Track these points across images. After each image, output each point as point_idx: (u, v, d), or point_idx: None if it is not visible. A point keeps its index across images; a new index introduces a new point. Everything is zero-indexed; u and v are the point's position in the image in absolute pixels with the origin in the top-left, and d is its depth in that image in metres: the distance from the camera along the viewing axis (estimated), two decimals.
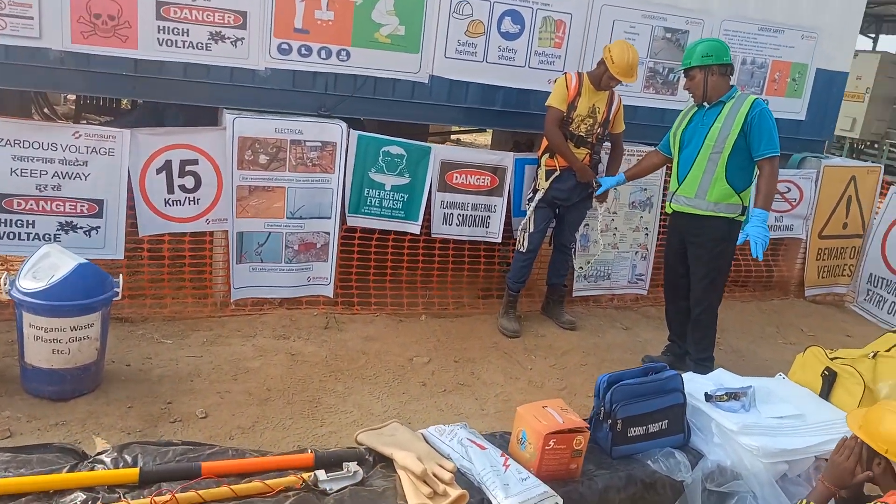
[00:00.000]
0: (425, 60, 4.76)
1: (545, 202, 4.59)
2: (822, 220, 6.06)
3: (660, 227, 5.49)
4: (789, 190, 5.87)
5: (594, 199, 4.67)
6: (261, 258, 4.49)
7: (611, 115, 4.60)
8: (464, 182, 4.85)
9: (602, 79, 4.43)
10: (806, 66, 5.83)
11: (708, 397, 2.91)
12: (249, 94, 4.45)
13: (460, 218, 4.92)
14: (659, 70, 5.39)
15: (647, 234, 5.44)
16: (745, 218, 4.07)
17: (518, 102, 5.08)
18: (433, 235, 4.90)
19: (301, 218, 4.51)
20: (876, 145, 14.11)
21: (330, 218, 4.59)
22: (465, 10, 4.76)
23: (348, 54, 4.59)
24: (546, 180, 4.55)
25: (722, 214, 4.02)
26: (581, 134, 4.52)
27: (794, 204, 5.90)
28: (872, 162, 9.47)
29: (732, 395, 2.92)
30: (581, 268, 5.23)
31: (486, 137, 10.84)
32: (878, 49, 17.04)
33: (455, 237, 4.96)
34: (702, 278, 4.16)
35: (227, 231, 4.39)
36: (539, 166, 4.62)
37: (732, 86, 4.05)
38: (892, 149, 13.55)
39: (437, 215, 4.85)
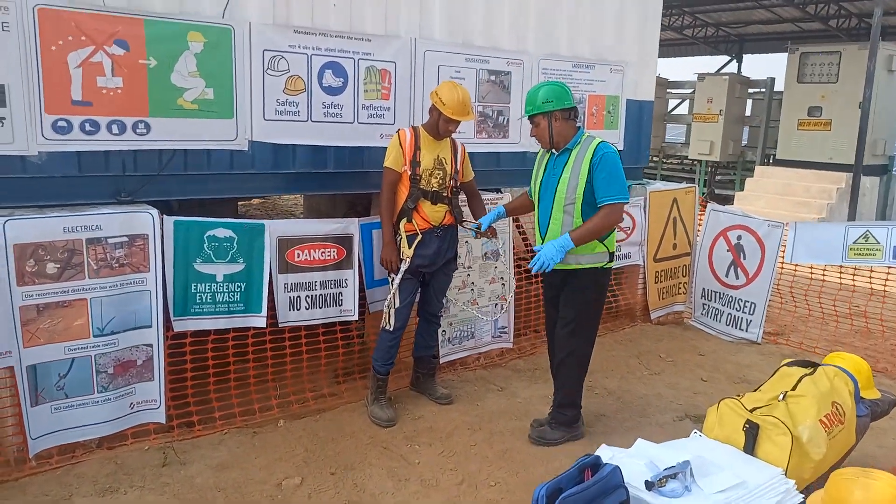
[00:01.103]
0: (242, 125, 4.11)
1: (410, 272, 4.11)
2: (654, 244, 6.22)
3: (514, 273, 5.26)
4: (622, 220, 5.93)
5: (487, 233, 4.21)
6: (65, 393, 3.51)
7: (458, 165, 4.28)
8: (308, 259, 4.23)
9: (439, 125, 4.09)
10: (618, 97, 5.99)
11: (649, 485, 2.62)
12: (20, 186, 3.52)
13: (309, 300, 4.27)
14: (489, 114, 5.19)
15: (503, 284, 5.17)
16: (612, 262, 3.94)
17: (351, 162, 4.59)
18: (280, 325, 4.20)
19: (113, 333, 3.61)
20: (733, 166, 15.03)
21: (151, 326, 3.73)
22: (279, 64, 4.19)
23: (148, 126, 3.81)
24: (409, 247, 4.08)
25: (589, 266, 3.84)
26: (435, 189, 4.13)
27: (628, 233, 5.99)
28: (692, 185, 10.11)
29: (671, 476, 2.64)
30: (444, 331, 4.80)
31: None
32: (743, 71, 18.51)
33: (306, 322, 4.31)
34: (567, 324, 3.96)
35: (12, 367, 3.37)
36: (397, 234, 4.14)
37: (579, 128, 3.90)
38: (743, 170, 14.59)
39: (281, 301, 4.17)
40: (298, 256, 4.20)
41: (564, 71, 5.58)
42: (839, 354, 3.80)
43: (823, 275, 5.99)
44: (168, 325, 3.82)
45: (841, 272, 5.81)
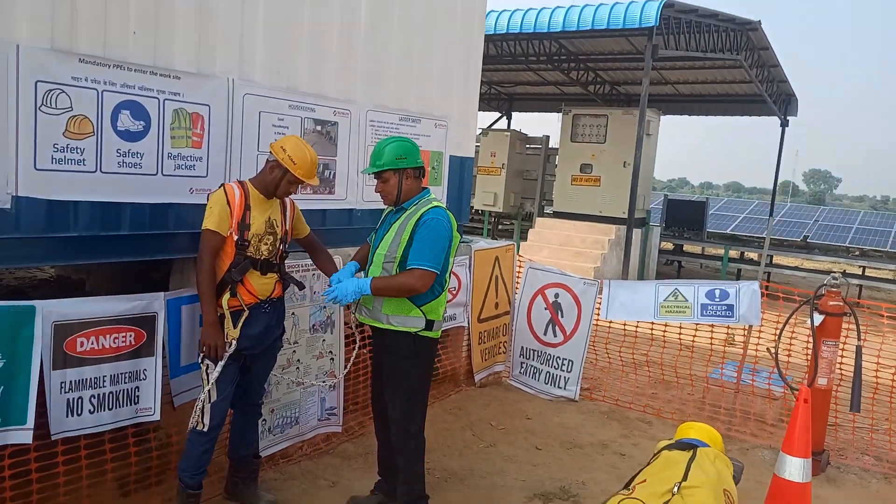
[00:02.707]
0: (3, 176, 3.12)
1: (232, 357, 3.37)
2: (478, 304, 6.03)
3: (345, 347, 4.69)
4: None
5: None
6: None
7: (288, 225, 3.67)
8: (94, 347, 3.30)
9: (280, 185, 3.49)
10: (441, 153, 5.75)
11: None
12: None
13: (94, 401, 3.32)
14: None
15: (332, 359, 4.57)
16: (434, 331, 3.61)
17: (153, 222, 3.74)
18: (53, 437, 3.20)
19: None
20: (513, 217, 15.44)
21: None
22: (59, 101, 3.27)
23: None
24: (235, 328, 3.35)
25: (402, 329, 3.51)
26: (265, 257, 3.47)
27: (454, 293, 5.72)
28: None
29: None
30: (264, 420, 4.08)
31: None
32: (512, 125, 19.12)
33: (90, 430, 3.34)
34: (395, 400, 3.60)
35: None
36: (218, 311, 3.39)
37: (425, 188, 3.65)
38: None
39: (56, 405, 3.18)
40: (82, 346, 3.25)
41: (391, 123, 5.21)
42: (690, 425, 3.77)
43: (636, 329, 6.20)
44: None
45: (652, 326, 6.05)
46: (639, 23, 10.53)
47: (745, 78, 14.67)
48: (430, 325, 3.54)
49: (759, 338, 6.07)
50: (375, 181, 3.61)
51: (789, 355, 6.04)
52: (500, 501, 4.16)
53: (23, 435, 3.05)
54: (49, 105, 3.23)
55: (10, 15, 3.08)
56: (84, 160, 3.39)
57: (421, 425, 3.65)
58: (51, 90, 3.23)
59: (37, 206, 3.24)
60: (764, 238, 17.91)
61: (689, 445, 3.38)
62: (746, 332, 6.05)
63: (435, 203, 3.56)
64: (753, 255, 16.25)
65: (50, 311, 3.13)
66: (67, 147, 3.32)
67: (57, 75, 3.24)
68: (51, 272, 7.04)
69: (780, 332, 5.92)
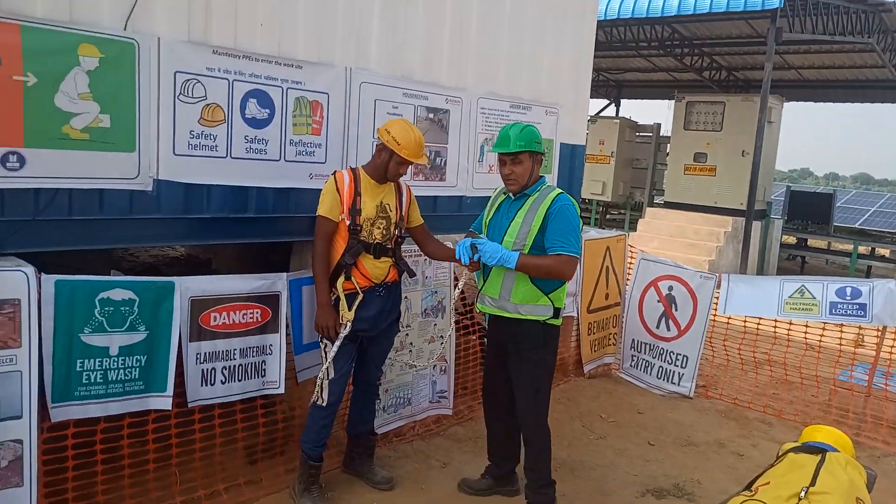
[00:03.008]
0: (146, 160, 3.36)
1: (347, 338, 3.48)
2: (588, 295, 5.93)
3: (458, 333, 4.75)
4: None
5: (473, 265, 3.57)
6: None
7: (404, 211, 3.73)
8: (226, 322, 3.50)
9: (389, 167, 3.55)
10: (552, 140, 5.68)
11: None
12: None
13: (226, 372, 3.53)
14: (426, 154, 4.68)
15: (442, 344, 4.63)
16: (559, 319, 3.59)
17: (276, 205, 3.92)
18: (190, 405, 3.43)
19: None
20: (622, 207, 15.20)
21: (21, 417, 2.86)
22: (195, 90, 3.49)
23: (21, 159, 2.99)
24: (349, 310, 3.46)
25: (531, 317, 3.48)
26: (378, 241, 3.55)
27: None
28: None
29: None
30: (379, 400, 4.18)
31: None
32: (621, 113, 18.92)
33: (222, 399, 3.55)
34: (524, 391, 3.58)
35: None
36: (333, 293, 3.51)
37: (542, 176, 3.59)
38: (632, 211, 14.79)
39: (192, 375, 3.41)
40: (215, 320, 3.46)
41: (502, 111, 5.20)
42: (817, 428, 3.55)
43: (758, 326, 5.91)
44: (45, 415, 2.97)
45: (776, 324, 5.74)
46: (762, 5, 9.98)
47: (877, 62, 13.60)
48: (556, 313, 3.53)
49: (894, 340, 5.63)
50: (501, 164, 3.49)
51: None
52: (611, 494, 4.08)
53: (163, 401, 3.29)
54: (186, 94, 3.45)
55: (151, 10, 3.31)
56: (216, 146, 3.59)
57: (547, 414, 3.65)
58: (188, 80, 3.44)
59: (175, 188, 3.47)
60: None
61: (818, 449, 3.19)
62: (880, 333, 5.63)
63: (558, 190, 3.54)
64: (885, 252, 15.08)
65: (187, 286, 3.35)
66: (202, 134, 3.53)
67: (193, 66, 3.45)
68: (181, 251, 7.52)
69: None
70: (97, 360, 3.08)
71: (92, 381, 3.08)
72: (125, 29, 3.24)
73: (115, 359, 3.14)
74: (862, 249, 14.22)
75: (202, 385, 3.45)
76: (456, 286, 4.00)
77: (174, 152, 3.44)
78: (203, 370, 3.44)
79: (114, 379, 3.14)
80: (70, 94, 3.10)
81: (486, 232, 3.67)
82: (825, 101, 17.20)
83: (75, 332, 3.02)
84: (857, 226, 18.36)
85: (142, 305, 3.19)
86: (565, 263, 3.37)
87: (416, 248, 4.05)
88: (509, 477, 3.94)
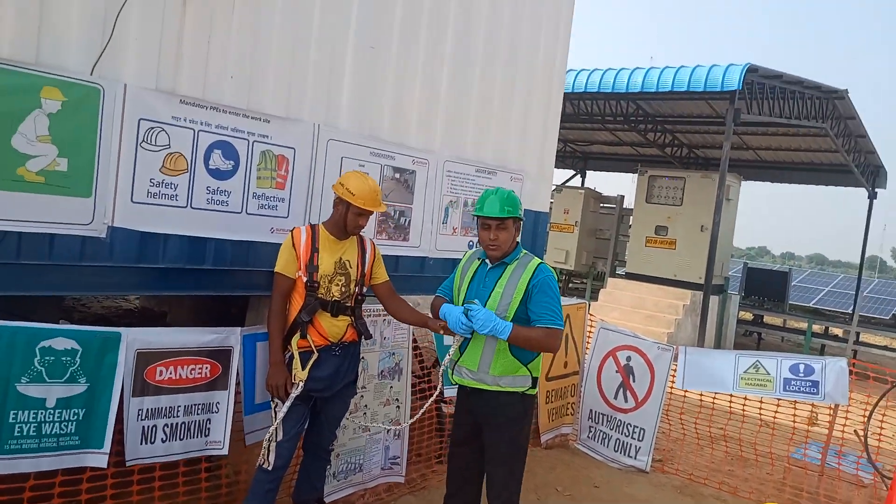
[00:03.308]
0: (101, 207, 3.28)
1: (299, 398, 3.38)
2: (547, 363, 5.89)
3: (414, 397, 4.65)
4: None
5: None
6: None
7: (366, 268, 3.68)
8: (172, 377, 3.38)
9: (347, 220, 3.51)
10: None
11: None
12: None
13: (168, 430, 3.38)
14: (391, 213, 4.68)
15: (398, 407, 4.52)
16: (536, 388, 3.54)
17: (234, 258, 3.85)
18: (128, 464, 3.26)
19: None
20: (584, 276, 15.23)
21: None
22: (158, 138, 3.45)
23: None
24: (303, 369, 3.37)
25: (510, 389, 3.42)
26: (336, 299, 3.49)
27: None
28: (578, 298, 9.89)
29: None
30: (329, 464, 4.03)
31: None
32: (586, 184, 19.16)
33: (161, 459, 3.39)
34: (500, 465, 3.46)
35: None
36: (287, 351, 3.42)
37: (517, 243, 3.55)
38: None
39: (132, 432, 3.25)
40: (161, 375, 3.33)
41: (468, 175, 5.25)
42: None
43: (714, 401, 5.91)
44: None
45: (731, 399, 5.75)
46: (721, 86, 10.39)
47: (831, 147, 14.20)
48: (534, 382, 3.48)
49: (846, 419, 5.68)
50: (484, 229, 3.39)
51: (880, 440, 5.62)
52: None
53: (99, 458, 3.13)
54: (149, 142, 3.41)
55: (120, 57, 3.29)
56: (176, 195, 3.54)
57: (520, 488, 3.52)
58: (152, 128, 3.41)
59: (130, 236, 3.38)
60: (850, 314, 17.05)
61: None
62: (832, 411, 5.68)
63: (538, 259, 3.49)
64: (838, 331, 15.42)
65: (134, 338, 3.23)
66: (163, 182, 3.47)
67: (159, 114, 3.42)
68: (135, 303, 7.32)
69: (871, 414, 5.54)
70: (32, 412, 2.93)
71: (25, 434, 2.92)
72: (91, 74, 3.21)
73: (52, 411, 2.99)
74: (816, 328, 14.52)
75: (142, 443, 3.29)
76: (436, 387, 3.84)
77: (132, 200, 3.38)
78: (144, 427, 3.29)
79: (48, 433, 2.98)
80: (28, 136, 3.04)
81: (459, 300, 3.54)
82: (781, 181, 17.81)
83: (11, 381, 2.87)
84: (811, 304, 18.83)
85: (84, 356, 3.07)
86: (554, 337, 3.33)
87: (375, 306, 3.98)
88: None
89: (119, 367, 3.15)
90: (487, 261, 3.50)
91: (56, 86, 3.10)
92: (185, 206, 3.58)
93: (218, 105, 3.66)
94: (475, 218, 3.48)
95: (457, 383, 3.57)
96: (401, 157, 4.71)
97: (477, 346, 3.42)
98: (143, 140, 3.39)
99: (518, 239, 3.57)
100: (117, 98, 3.29)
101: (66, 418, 3.02)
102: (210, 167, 3.66)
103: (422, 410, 3.83)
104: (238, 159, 3.79)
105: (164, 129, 3.46)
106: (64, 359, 3.00)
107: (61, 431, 3.01)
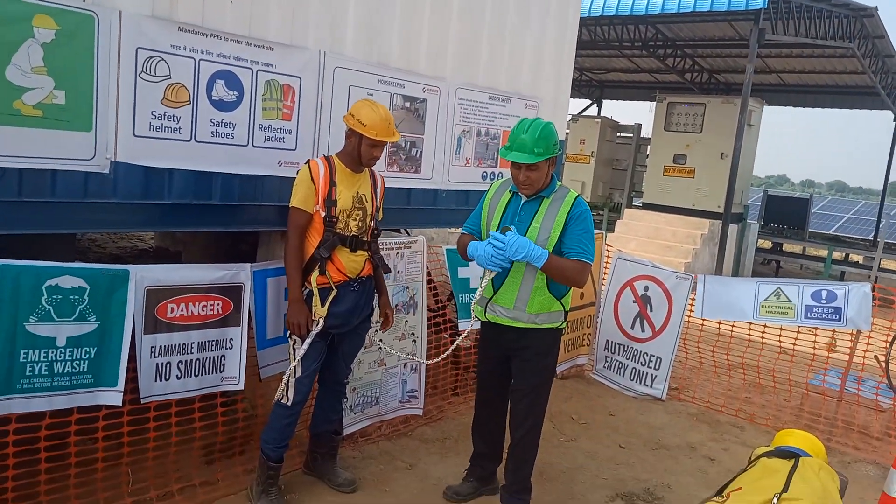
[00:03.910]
0: (103, 141, 3.18)
1: (319, 335, 3.33)
2: None
3: (429, 331, 4.62)
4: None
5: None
6: None
7: (378, 201, 3.59)
8: (184, 314, 3.34)
9: (361, 152, 3.38)
10: None
11: None
12: None
13: (182, 367, 3.37)
14: (401, 144, 4.54)
15: (414, 342, 4.50)
16: (566, 323, 3.56)
17: (242, 193, 3.75)
18: (143, 401, 3.26)
19: None
20: (601, 207, 14.97)
21: None
22: (158, 68, 3.31)
23: None
24: (322, 306, 3.31)
25: (546, 325, 3.42)
26: (354, 234, 3.40)
27: None
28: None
29: None
30: (345, 398, 4.04)
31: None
32: (602, 113, 18.73)
33: (176, 396, 3.39)
34: (526, 394, 3.49)
35: None
36: (305, 287, 3.36)
37: (553, 176, 3.42)
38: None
39: (146, 370, 3.23)
40: (172, 312, 3.29)
41: (481, 102, 5.07)
42: (790, 432, 3.49)
43: (732, 329, 5.85)
44: None
45: (750, 327, 5.69)
46: (745, 5, 9.96)
47: (858, 68, 13.70)
48: (566, 316, 3.50)
49: (867, 345, 5.61)
50: (515, 167, 3.26)
51: None
52: (579, 498, 3.99)
53: (113, 396, 3.12)
54: (149, 72, 3.27)
55: None
56: (180, 128, 3.42)
57: (543, 417, 3.60)
58: (151, 57, 3.26)
59: (134, 172, 3.29)
60: (870, 240, 16.81)
61: (791, 454, 3.13)
62: (854, 337, 5.60)
63: (574, 192, 3.41)
64: (859, 258, 15.23)
65: (143, 276, 3.18)
66: (164, 115, 3.35)
67: (157, 43, 3.27)
68: (150, 243, 7.31)
69: (893, 341, 5.45)
70: (42, 351, 2.90)
71: (36, 373, 2.90)
72: (85, 1, 3.06)
73: (63, 350, 2.96)
74: (836, 255, 14.34)
75: (156, 380, 3.28)
76: (461, 335, 3.78)
77: (134, 133, 3.27)
78: (157, 364, 3.27)
79: (60, 371, 2.96)
80: (23, 68, 2.91)
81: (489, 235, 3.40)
82: (804, 105, 17.31)
83: (20, 321, 2.84)
84: (831, 232, 18.56)
85: (93, 294, 3.02)
86: (585, 272, 3.30)
87: (389, 239, 3.90)
88: (491, 477, 3.86)
89: (129, 305, 3.11)
90: (522, 194, 3.38)
91: (48, 13, 2.95)
92: (189, 140, 3.47)
93: (219, 32, 3.50)
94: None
95: (489, 320, 3.50)
96: (411, 85, 4.53)
97: (514, 283, 3.36)
98: (143, 70, 3.25)
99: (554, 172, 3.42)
100: (113, 26, 3.13)
101: (78, 357, 3.00)
102: (213, 98, 3.53)
103: (449, 350, 3.79)
104: (242, 90, 3.64)
105: (163, 59, 3.31)
106: (72, 297, 2.95)
107: (73, 370, 3.00)
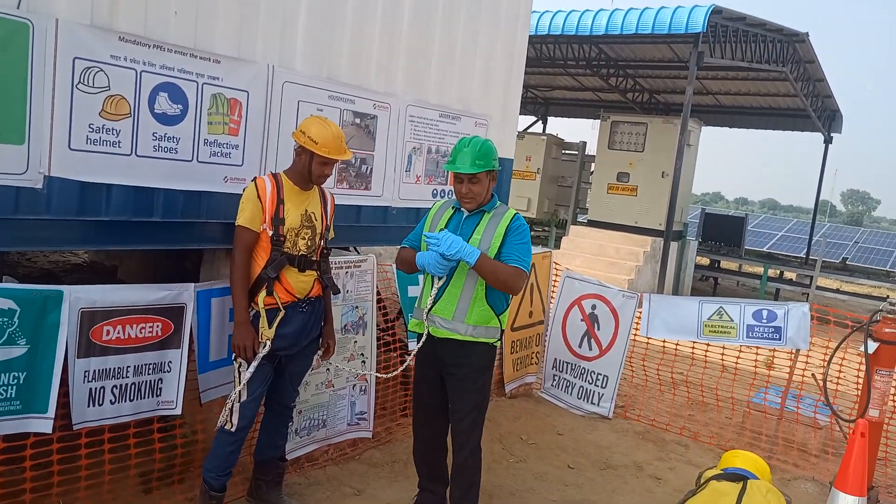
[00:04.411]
0: (36, 155, 3.01)
1: (266, 357, 3.22)
2: (513, 312, 5.82)
3: (378, 350, 4.53)
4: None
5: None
6: None
7: (329, 220, 3.51)
8: (120, 337, 3.18)
9: (311, 170, 3.31)
10: None
11: None
12: None
13: (116, 391, 3.20)
14: (351, 161, 4.47)
15: (363, 362, 4.40)
16: (500, 342, 3.58)
17: (186, 210, 3.61)
18: (75, 427, 3.08)
19: None
20: (546, 224, 15.13)
21: None
22: (96, 79, 3.16)
23: None
24: (270, 328, 3.20)
25: (482, 339, 3.41)
26: (303, 253, 3.31)
27: None
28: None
29: None
30: (292, 421, 3.91)
31: None
32: (547, 130, 18.86)
33: (111, 421, 3.22)
34: (466, 415, 3.46)
35: None
36: (252, 308, 3.24)
37: (493, 194, 3.50)
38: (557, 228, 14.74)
39: (78, 395, 3.06)
40: (108, 334, 3.13)
41: (431, 119, 5.04)
42: (736, 453, 3.56)
43: (676, 347, 5.94)
44: None
45: (693, 345, 5.78)
46: (685, 28, 10.26)
47: (790, 91, 14.28)
48: (501, 334, 3.53)
49: (806, 363, 5.77)
50: (457, 181, 3.36)
51: (837, 384, 5.74)
52: None
53: (43, 423, 2.94)
54: (86, 83, 3.12)
55: None
56: (119, 142, 3.27)
57: (481, 437, 3.55)
58: (89, 68, 3.12)
59: (69, 187, 3.12)
60: (802, 258, 17.47)
61: (739, 476, 3.18)
62: (793, 356, 5.76)
63: (513, 210, 3.50)
64: (792, 276, 15.79)
65: (78, 297, 3.02)
66: (103, 128, 3.20)
67: (95, 53, 3.13)
68: (84, 257, 7.00)
69: (830, 359, 5.61)
70: None
71: None
72: (18, 7, 2.90)
73: None
74: (771, 272, 14.83)
75: (89, 405, 3.11)
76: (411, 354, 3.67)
77: (70, 147, 3.10)
78: (91, 389, 3.10)
79: None
80: None
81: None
82: (739, 126, 17.92)
83: None
84: (765, 249, 19.22)
85: (23, 316, 2.85)
86: (520, 276, 3.32)
87: (338, 258, 3.81)
88: (442, 501, 3.77)
89: (62, 328, 2.95)
90: (463, 209, 3.43)
91: None
92: (130, 154, 3.32)
93: (162, 43, 3.37)
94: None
95: (429, 332, 3.46)
96: (361, 101, 4.47)
97: (453, 294, 3.39)
98: (80, 81, 3.10)
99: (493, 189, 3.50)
100: (48, 34, 2.98)
101: (6, 382, 2.82)
102: (156, 111, 3.39)
103: (402, 367, 3.73)
104: (187, 103, 3.51)
105: (102, 70, 3.16)
106: (1, 319, 2.77)
107: (1, 396, 2.81)
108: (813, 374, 5.62)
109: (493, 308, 3.40)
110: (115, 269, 6.18)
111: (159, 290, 3.31)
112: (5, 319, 2.79)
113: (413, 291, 4.73)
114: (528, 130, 18.23)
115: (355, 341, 4.34)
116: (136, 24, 3.27)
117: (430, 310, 3.40)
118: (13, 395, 2.85)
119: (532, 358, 6.20)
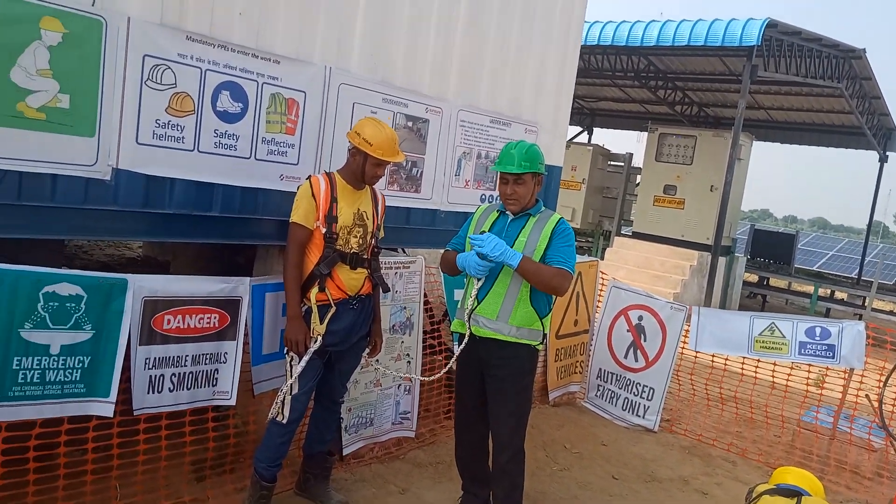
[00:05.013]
0: (105, 147, 3.12)
1: (317, 352, 3.27)
2: (558, 320, 5.80)
3: (423, 352, 4.56)
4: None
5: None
6: None
7: (379, 219, 3.56)
8: (180, 326, 3.27)
9: (365, 171, 3.37)
10: None
11: None
12: None
13: (175, 379, 3.29)
14: (402, 164, 4.52)
15: (409, 363, 4.44)
16: (543, 345, 3.57)
17: (242, 206, 3.70)
18: (136, 413, 3.18)
19: None
20: (590, 234, 15.06)
21: None
22: (164, 76, 3.27)
23: None
24: (321, 323, 3.26)
25: (525, 341, 3.40)
26: (355, 251, 3.37)
27: None
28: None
29: None
30: (341, 418, 3.96)
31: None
32: (593, 140, 18.87)
33: (168, 408, 3.30)
34: (507, 418, 3.44)
35: None
36: (304, 304, 3.31)
37: (538, 199, 3.52)
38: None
39: (139, 381, 3.15)
40: (169, 323, 3.22)
41: (482, 125, 5.08)
42: (787, 470, 3.46)
43: (725, 362, 5.83)
44: None
45: (743, 361, 5.67)
46: (739, 41, 10.12)
47: (844, 108, 13.95)
48: (544, 338, 3.50)
49: (860, 383, 5.61)
50: (503, 182, 3.40)
51: (894, 406, 5.56)
52: None
53: (105, 407, 3.03)
54: (154, 80, 3.23)
55: None
56: (183, 138, 3.37)
57: (524, 440, 3.54)
58: (157, 65, 3.22)
59: (135, 180, 3.23)
60: (854, 278, 16.97)
61: (793, 492, 3.10)
62: (847, 375, 5.61)
63: (559, 214, 3.50)
64: (843, 296, 15.35)
65: (141, 286, 3.11)
66: (168, 123, 3.31)
67: (164, 51, 3.23)
68: (138, 251, 7.20)
69: (886, 379, 5.45)
70: (36, 358, 2.82)
71: (28, 381, 2.82)
72: (93, 5, 3.02)
73: (56, 358, 2.88)
74: (822, 292, 14.45)
75: (149, 392, 3.19)
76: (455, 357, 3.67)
77: (137, 141, 3.21)
78: (151, 376, 3.19)
79: (52, 380, 2.88)
80: (28, 70, 2.86)
81: None
82: (791, 142, 17.56)
83: (14, 327, 2.76)
84: (815, 268, 18.73)
85: (90, 303, 2.95)
86: (564, 277, 3.30)
87: (389, 258, 3.86)
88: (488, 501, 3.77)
89: (125, 315, 3.04)
90: (508, 213, 3.43)
91: (56, 16, 2.91)
92: (192, 150, 3.42)
93: (226, 43, 3.47)
94: (496, 172, 3.41)
95: (472, 332, 3.47)
96: (414, 105, 4.52)
97: (498, 294, 3.39)
98: (148, 78, 3.21)
99: (538, 194, 3.52)
100: (120, 32, 3.10)
101: (71, 365, 2.92)
102: (218, 109, 3.49)
103: (445, 369, 3.73)
104: (247, 101, 3.61)
105: (169, 67, 3.27)
106: (68, 305, 2.88)
107: (66, 379, 2.91)
108: (867, 395, 5.46)
109: (536, 310, 3.40)
110: (167, 264, 6.34)
111: (217, 283, 3.40)
112: (72, 305, 2.90)
113: (459, 295, 4.74)
114: (574, 141, 18.17)
115: (402, 342, 4.37)
116: (202, 24, 3.38)
117: (472, 310, 3.40)
118: (77, 378, 2.95)
119: (576, 367, 6.15)
